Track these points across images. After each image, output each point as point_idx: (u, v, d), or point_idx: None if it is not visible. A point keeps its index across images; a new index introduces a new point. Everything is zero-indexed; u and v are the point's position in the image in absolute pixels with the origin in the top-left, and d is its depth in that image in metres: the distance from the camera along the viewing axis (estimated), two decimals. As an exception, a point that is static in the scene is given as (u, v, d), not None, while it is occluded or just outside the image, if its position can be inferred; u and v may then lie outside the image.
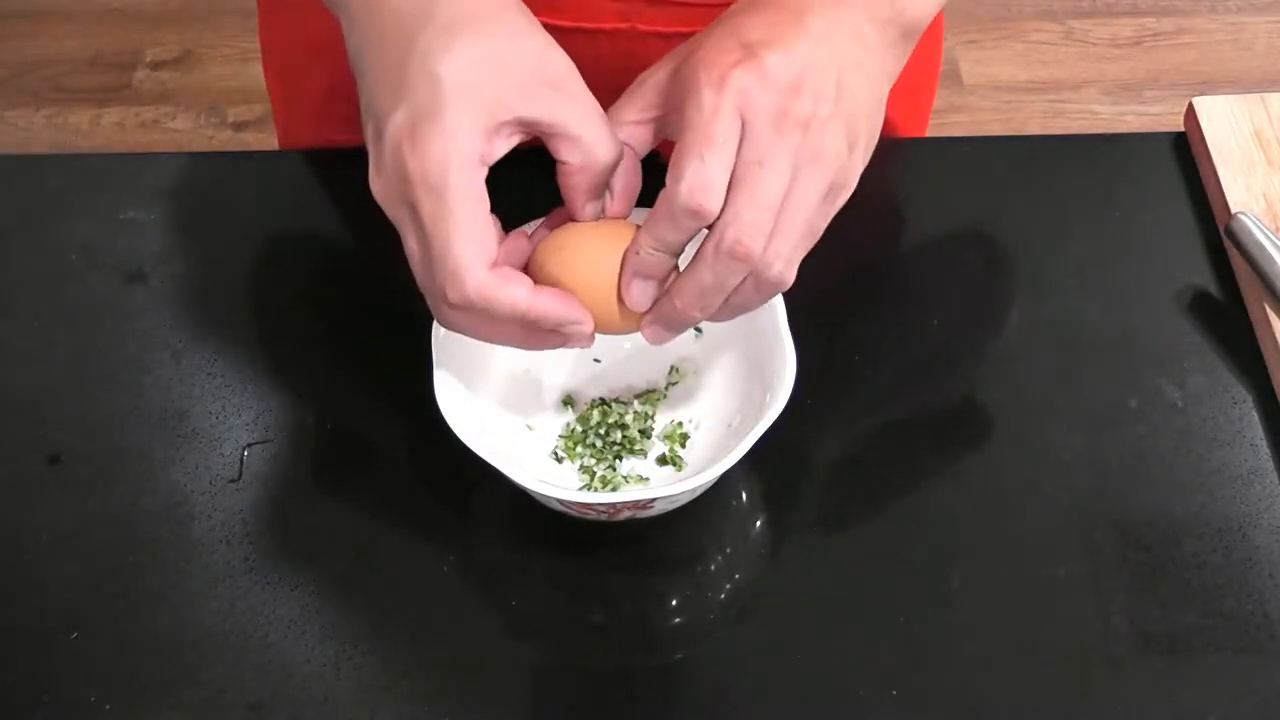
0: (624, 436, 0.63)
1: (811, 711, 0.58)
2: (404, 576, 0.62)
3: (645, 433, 0.64)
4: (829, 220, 0.54)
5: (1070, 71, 1.99)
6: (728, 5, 0.69)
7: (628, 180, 0.56)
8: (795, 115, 0.51)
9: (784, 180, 0.52)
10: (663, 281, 0.55)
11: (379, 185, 0.52)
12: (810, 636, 0.60)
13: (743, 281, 0.53)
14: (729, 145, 0.51)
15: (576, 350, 0.65)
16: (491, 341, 0.56)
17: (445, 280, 0.51)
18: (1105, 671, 0.58)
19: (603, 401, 0.65)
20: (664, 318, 0.55)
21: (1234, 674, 0.58)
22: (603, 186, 0.55)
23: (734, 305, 0.54)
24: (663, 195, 0.53)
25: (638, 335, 0.57)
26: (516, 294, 0.53)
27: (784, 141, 0.51)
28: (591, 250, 0.55)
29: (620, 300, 0.55)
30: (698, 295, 0.54)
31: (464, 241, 0.51)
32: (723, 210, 0.52)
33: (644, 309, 0.55)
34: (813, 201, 0.52)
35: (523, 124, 0.52)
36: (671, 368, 0.66)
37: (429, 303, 0.54)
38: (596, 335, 0.56)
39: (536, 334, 0.55)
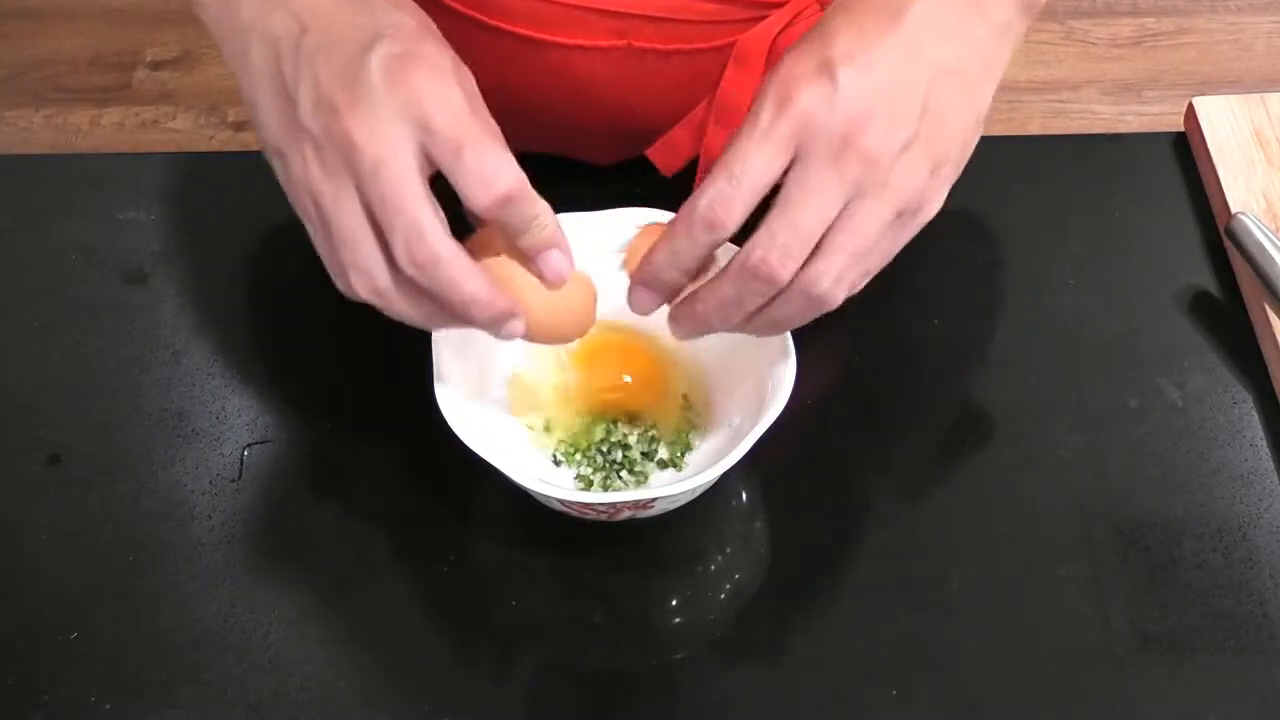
0: (625, 457, 0.63)
1: (811, 711, 0.58)
2: (404, 576, 0.62)
3: (648, 455, 0.63)
4: (902, 242, 0.53)
5: (1070, 71, 1.99)
6: (726, 22, 0.70)
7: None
8: (860, 148, 0.50)
9: (831, 207, 0.50)
10: (668, 296, 0.55)
11: (318, 162, 0.50)
12: (810, 636, 0.60)
13: (778, 301, 0.52)
14: (769, 169, 0.50)
15: (581, 351, 0.65)
16: (398, 317, 0.53)
17: (404, 236, 0.49)
18: (1105, 671, 0.58)
19: (608, 420, 0.64)
20: (686, 317, 0.55)
21: (1234, 674, 0.58)
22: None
23: (777, 320, 0.53)
24: (686, 204, 0.52)
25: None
26: (474, 269, 0.51)
27: (839, 173, 0.50)
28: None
29: (559, 310, 0.55)
30: (718, 306, 0.53)
31: (425, 202, 0.49)
32: (758, 230, 0.51)
33: (645, 314, 0.55)
34: (873, 228, 0.51)
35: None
36: (683, 395, 0.65)
37: (348, 271, 0.51)
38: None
39: (456, 319, 0.53)
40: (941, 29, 0.52)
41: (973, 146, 0.54)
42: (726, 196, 0.50)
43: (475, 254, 0.53)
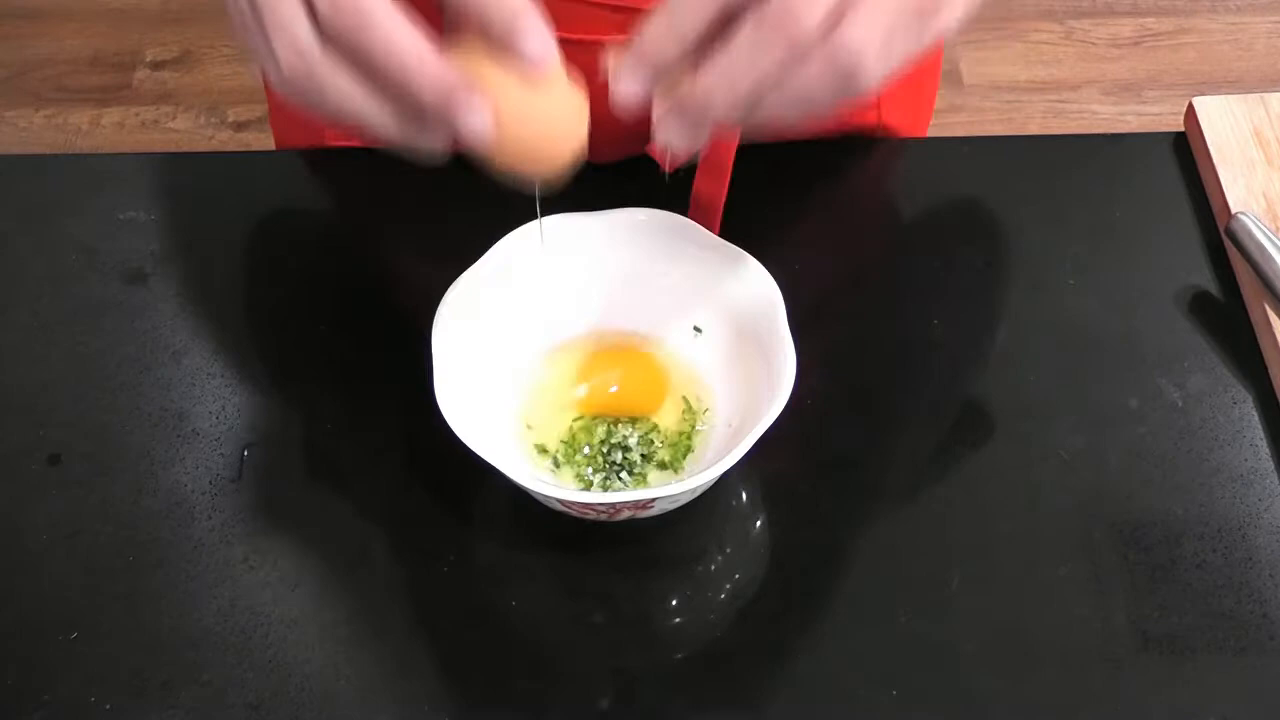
0: (624, 458, 0.63)
1: (811, 711, 0.58)
2: (404, 576, 0.62)
3: (648, 456, 0.63)
4: (924, 43, 0.45)
5: (1070, 71, 1.99)
6: None
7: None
8: None
9: None
10: (657, 78, 0.46)
11: None
12: (810, 636, 0.60)
13: (801, 69, 0.44)
14: None
15: (581, 353, 0.65)
16: (334, 108, 0.46)
17: None
18: (1105, 671, 0.58)
19: (608, 420, 0.64)
20: (685, 106, 0.46)
21: (1234, 674, 0.58)
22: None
23: (797, 93, 0.44)
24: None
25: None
26: (412, 31, 0.43)
27: None
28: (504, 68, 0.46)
29: (539, 117, 0.46)
30: (727, 78, 0.44)
31: None
32: None
33: (630, 103, 0.47)
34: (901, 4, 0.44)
35: None
36: (683, 396, 0.65)
37: (270, 37, 0.45)
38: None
39: (398, 101, 0.45)
40: None
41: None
42: None
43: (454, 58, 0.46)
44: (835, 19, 0.43)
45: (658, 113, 0.46)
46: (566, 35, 0.69)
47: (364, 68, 0.44)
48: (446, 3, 0.45)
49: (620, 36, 0.69)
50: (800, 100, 0.45)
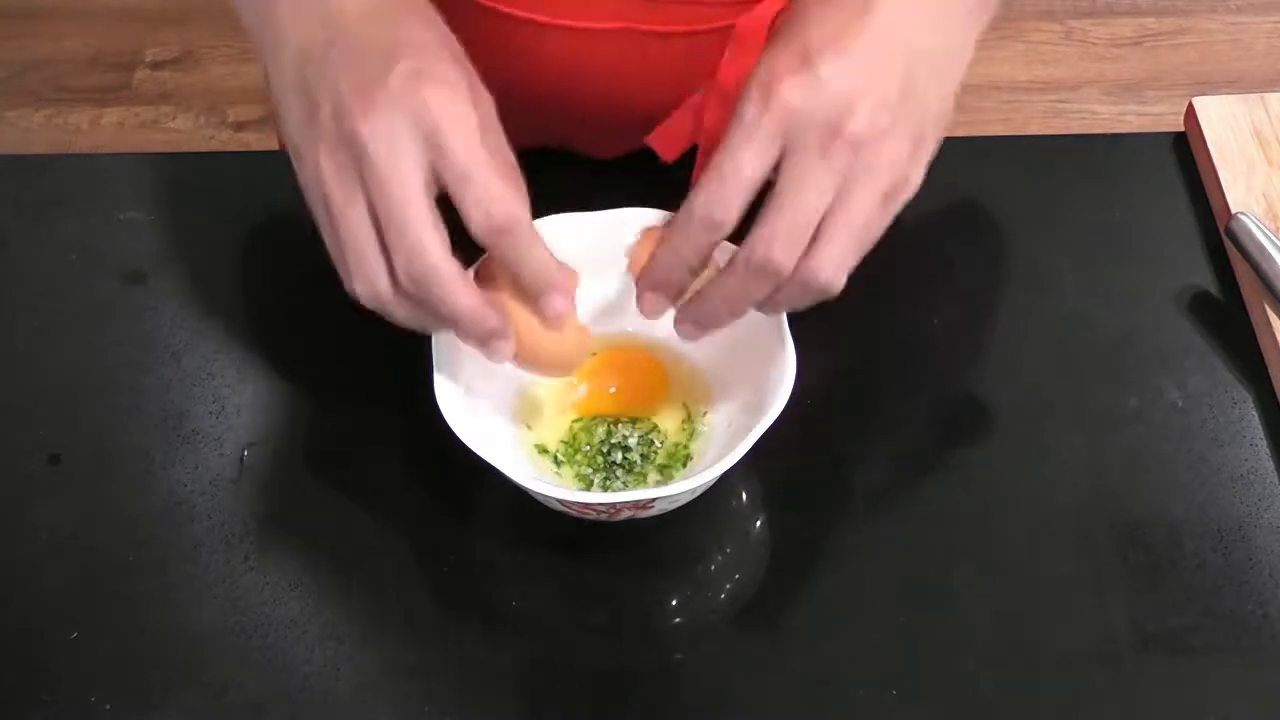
0: (624, 458, 0.63)
1: (811, 711, 0.58)
2: (404, 576, 0.62)
3: (648, 456, 0.63)
4: (889, 220, 0.54)
5: (1070, 71, 1.99)
6: (725, 4, 0.70)
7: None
8: (847, 135, 0.51)
9: (825, 196, 0.52)
10: (675, 296, 0.56)
11: (332, 165, 0.52)
12: (810, 636, 0.60)
13: (783, 290, 0.53)
14: (759, 166, 0.52)
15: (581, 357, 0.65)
16: (397, 322, 0.55)
17: (404, 253, 0.51)
18: (1105, 671, 0.58)
19: (608, 420, 0.64)
20: (693, 317, 0.56)
21: (1234, 674, 0.58)
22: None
23: (778, 303, 0.55)
24: (683, 206, 0.53)
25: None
26: (467, 288, 0.53)
27: (829, 163, 0.51)
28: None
29: (549, 346, 0.56)
30: (724, 302, 0.55)
31: (428, 220, 0.51)
32: (757, 225, 0.52)
33: (653, 318, 0.57)
34: (866, 210, 0.53)
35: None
36: (683, 396, 0.65)
37: (352, 274, 0.53)
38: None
39: (443, 327, 0.55)
40: (913, 13, 0.54)
41: (946, 124, 0.56)
42: (721, 196, 0.52)
43: (488, 277, 0.55)
44: (806, 247, 0.52)
45: (678, 316, 0.57)
46: (566, 22, 0.70)
47: (424, 308, 0.53)
48: (487, 246, 0.53)
49: (614, 23, 0.69)
50: (786, 305, 0.56)
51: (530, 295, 0.55)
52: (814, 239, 0.52)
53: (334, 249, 0.54)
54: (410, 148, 0.51)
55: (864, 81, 0.52)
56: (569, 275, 0.56)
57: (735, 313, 0.55)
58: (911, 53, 0.53)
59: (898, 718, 0.57)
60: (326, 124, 0.52)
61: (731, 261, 0.53)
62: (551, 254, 0.54)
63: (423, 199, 0.51)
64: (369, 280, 0.53)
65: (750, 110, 0.52)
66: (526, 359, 0.57)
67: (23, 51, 2.06)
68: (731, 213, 0.52)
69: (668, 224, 0.55)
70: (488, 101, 0.54)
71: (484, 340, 0.54)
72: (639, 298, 0.57)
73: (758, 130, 0.51)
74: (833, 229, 0.52)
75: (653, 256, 0.55)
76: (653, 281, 0.56)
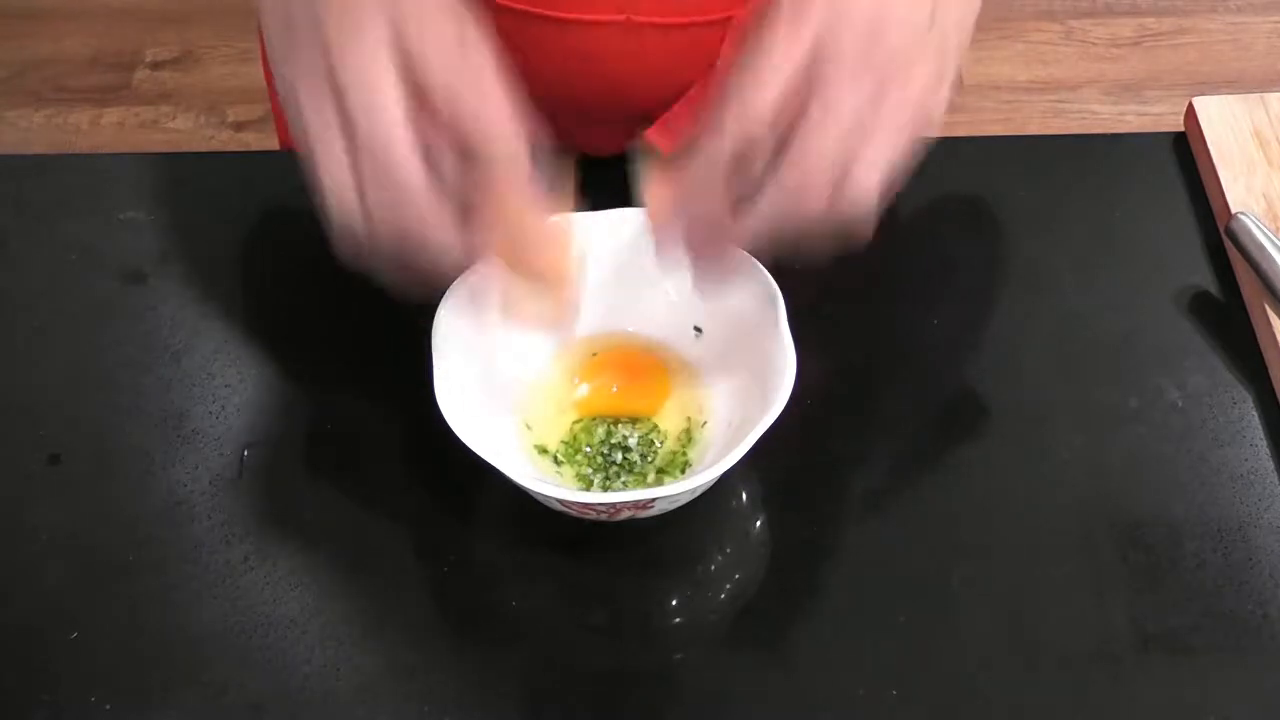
0: (624, 459, 0.63)
1: (811, 711, 0.58)
2: (404, 576, 0.62)
3: (648, 456, 0.63)
4: (911, 157, 0.53)
5: (1070, 71, 1.99)
6: None
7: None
8: (884, 48, 0.49)
9: (860, 112, 0.49)
10: (698, 218, 0.53)
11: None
12: (810, 636, 0.60)
13: (817, 220, 0.51)
14: (793, 71, 0.49)
15: (582, 354, 0.65)
16: (381, 265, 0.53)
17: (372, 153, 0.49)
18: (1105, 671, 0.58)
19: (608, 420, 0.64)
20: (718, 252, 0.54)
21: (1234, 674, 0.58)
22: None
23: (809, 237, 0.52)
24: (714, 114, 0.51)
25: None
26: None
27: (863, 77, 0.49)
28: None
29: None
30: (757, 222, 0.52)
31: (403, 134, 0.49)
32: (789, 146, 0.50)
33: (666, 230, 0.54)
34: (889, 140, 0.51)
35: None
36: (683, 397, 0.65)
37: (327, 190, 0.51)
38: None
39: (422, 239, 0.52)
40: None
41: (961, 59, 0.54)
42: (759, 97, 0.49)
43: None
44: (843, 172, 0.50)
45: (693, 250, 0.53)
46: (566, 15, 0.70)
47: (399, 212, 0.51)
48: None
49: (614, 15, 0.69)
50: (814, 243, 0.52)
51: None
52: (847, 170, 0.50)
53: (312, 178, 0.52)
54: (388, 75, 0.49)
55: (892, 5, 0.50)
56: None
57: (762, 248, 0.52)
58: None
59: (898, 718, 0.57)
60: (304, 52, 0.50)
61: (768, 186, 0.50)
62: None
63: (401, 125, 0.49)
64: (342, 201, 0.50)
65: (785, 25, 0.49)
66: (506, 256, 0.54)
67: (23, 51, 2.06)
68: (766, 114, 0.49)
69: (699, 134, 0.51)
70: (472, 22, 0.52)
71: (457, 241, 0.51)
72: (659, 229, 0.54)
73: (796, 39, 0.49)
74: (870, 149, 0.50)
75: (681, 171, 0.52)
76: (682, 194, 0.52)
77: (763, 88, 0.49)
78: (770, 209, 0.51)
